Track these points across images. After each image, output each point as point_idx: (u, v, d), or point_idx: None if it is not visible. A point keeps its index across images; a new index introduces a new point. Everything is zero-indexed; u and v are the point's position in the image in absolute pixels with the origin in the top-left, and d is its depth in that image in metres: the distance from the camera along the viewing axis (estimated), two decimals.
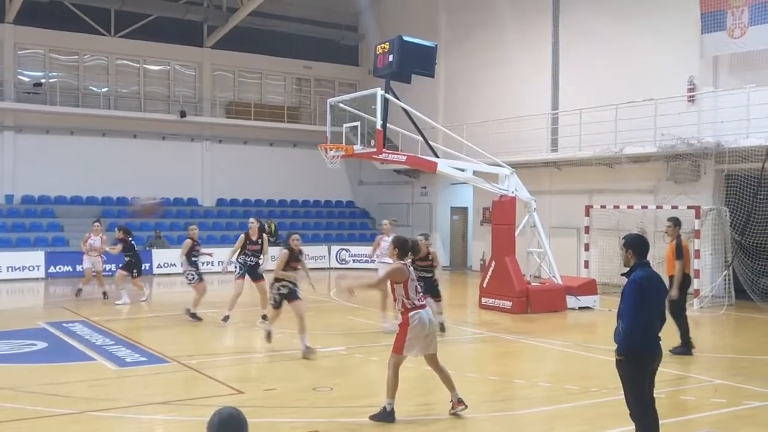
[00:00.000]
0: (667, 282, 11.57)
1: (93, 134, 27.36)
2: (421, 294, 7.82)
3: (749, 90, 17.26)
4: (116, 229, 17.50)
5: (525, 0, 24.30)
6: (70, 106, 27.20)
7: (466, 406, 7.75)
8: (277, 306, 11.10)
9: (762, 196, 17.28)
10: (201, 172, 29.58)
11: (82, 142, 27.13)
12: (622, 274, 6.14)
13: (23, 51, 27.09)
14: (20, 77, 27.08)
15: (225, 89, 30.82)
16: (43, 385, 9.09)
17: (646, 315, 5.83)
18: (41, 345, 11.87)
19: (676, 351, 11.13)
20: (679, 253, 11.38)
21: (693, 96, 19.16)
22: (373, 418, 7.50)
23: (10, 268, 22.49)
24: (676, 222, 11.78)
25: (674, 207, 18.08)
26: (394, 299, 7.79)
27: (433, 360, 7.75)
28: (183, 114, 28.42)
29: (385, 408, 7.52)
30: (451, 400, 7.76)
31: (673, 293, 11.14)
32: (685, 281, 11.53)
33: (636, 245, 6.08)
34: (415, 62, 16.29)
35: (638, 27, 20.83)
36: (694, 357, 11.24)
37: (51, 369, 10.27)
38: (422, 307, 7.69)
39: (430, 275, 12.49)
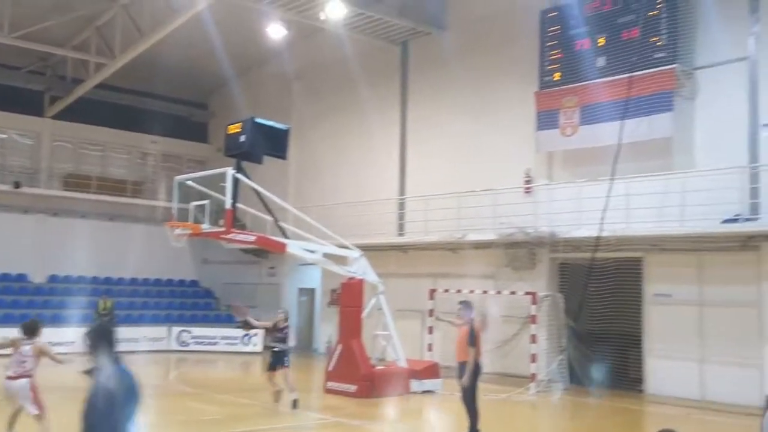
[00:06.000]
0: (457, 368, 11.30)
1: None
2: (18, 367, 9.39)
3: (580, 184, 18.56)
4: None
5: (375, 90, 25.12)
6: None
7: None
8: None
9: (593, 285, 18.32)
10: (32, 246, 27.74)
11: None
12: (86, 371, 4.66)
13: None
14: None
15: (64, 160, 29.45)
16: None
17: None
18: None
19: None
20: (473, 339, 10.98)
21: (529, 188, 20.33)
22: None
23: None
24: (467, 306, 11.44)
25: (512, 293, 18.87)
26: None
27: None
28: (17, 185, 26.78)
29: None
30: None
31: (465, 381, 10.92)
32: (476, 369, 11.09)
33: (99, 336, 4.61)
34: (267, 144, 16.34)
35: (480, 121, 21.99)
36: None
37: None
38: (9, 378, 9.29)
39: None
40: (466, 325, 11.22)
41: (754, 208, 15.89)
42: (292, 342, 14.55)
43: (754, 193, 15.91)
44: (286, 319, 14.31)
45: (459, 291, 19.83)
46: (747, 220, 15.79)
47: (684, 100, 17.34)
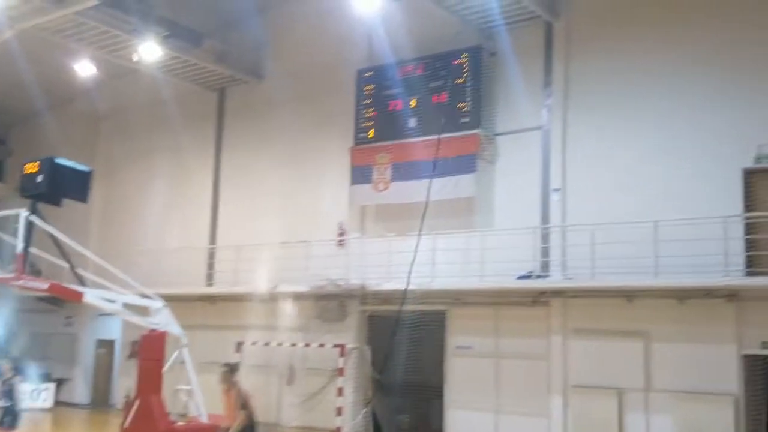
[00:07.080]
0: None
1: None
2: None
3: (390, 239, 19.06)
4: None
5: (189, 135, 24.52)
6: None
7: None
8: None
9: (399, 337, 18.69)
10: None
11: None
12: None
13: None
14: None
15: None
16: None
17: None
18: None
19: None
20: (243, 402, 10.76)
21: (342, 240, 20.58)
22: None
23: None
24: (233, 368, 11.33)
25: (321, 345, 18.90)
26: None
27: None
28: None
29: None
30: None
31: None
32: (253, 429, 10.85)
33: None
34: (67, 186, 15.35)
35: (296, 172, 22.07)
36: None
37: None
38: None
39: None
40: (233, 388, 10.97)
41: (545, 266, 17.06)
42: (22, 398, 13.00)
43: (545, 251, 17.10)
44: (10, 370, 13.10)
45: (267, 344, 19.59)
46: (539, 277, 16.91)
47: (486, 163, 18.45)
